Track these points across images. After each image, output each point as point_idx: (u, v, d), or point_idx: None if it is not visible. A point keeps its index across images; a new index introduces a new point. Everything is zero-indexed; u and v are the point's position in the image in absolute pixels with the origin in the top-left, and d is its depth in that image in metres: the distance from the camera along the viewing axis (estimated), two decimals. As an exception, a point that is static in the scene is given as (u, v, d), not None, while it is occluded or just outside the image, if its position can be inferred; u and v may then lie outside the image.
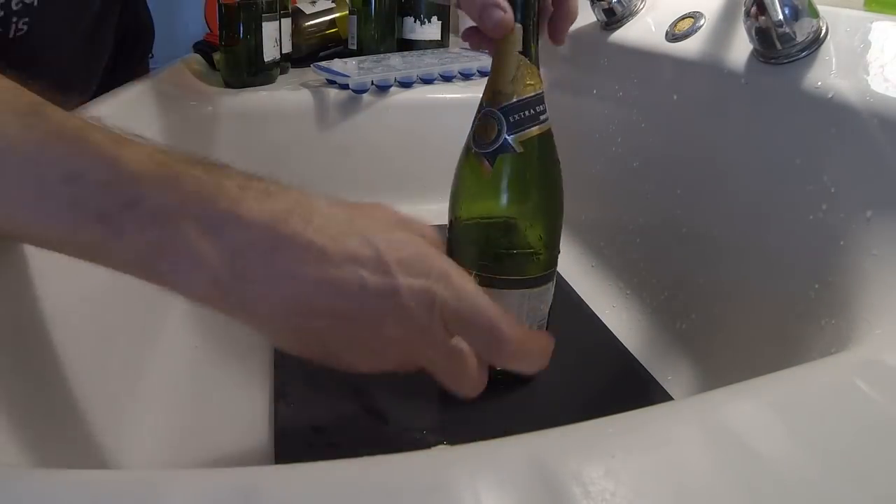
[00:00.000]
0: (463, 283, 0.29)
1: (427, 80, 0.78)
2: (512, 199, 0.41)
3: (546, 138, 0.40)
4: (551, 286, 0.43)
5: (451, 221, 0.44)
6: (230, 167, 0.28)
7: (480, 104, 0.41)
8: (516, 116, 0.39)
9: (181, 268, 0.25)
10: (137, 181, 0.25)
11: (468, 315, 0.28)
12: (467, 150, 0.42)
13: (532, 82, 0.39)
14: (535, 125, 0.39)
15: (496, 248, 0.41)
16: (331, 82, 0.75)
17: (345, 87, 0.73)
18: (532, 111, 0.39)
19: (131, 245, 0.25)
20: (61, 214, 0.24)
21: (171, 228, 0.25)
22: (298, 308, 0.27)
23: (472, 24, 0.41)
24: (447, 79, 0.79)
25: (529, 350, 0.31)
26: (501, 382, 0.43)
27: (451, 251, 0.43)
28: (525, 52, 0.38)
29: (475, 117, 0.41)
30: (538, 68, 0.39)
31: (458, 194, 0.43)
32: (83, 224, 0.24)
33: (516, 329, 0.29)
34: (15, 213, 0.25)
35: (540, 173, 0.41)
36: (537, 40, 0.40)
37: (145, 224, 0.25)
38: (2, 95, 0.25)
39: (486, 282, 0.41)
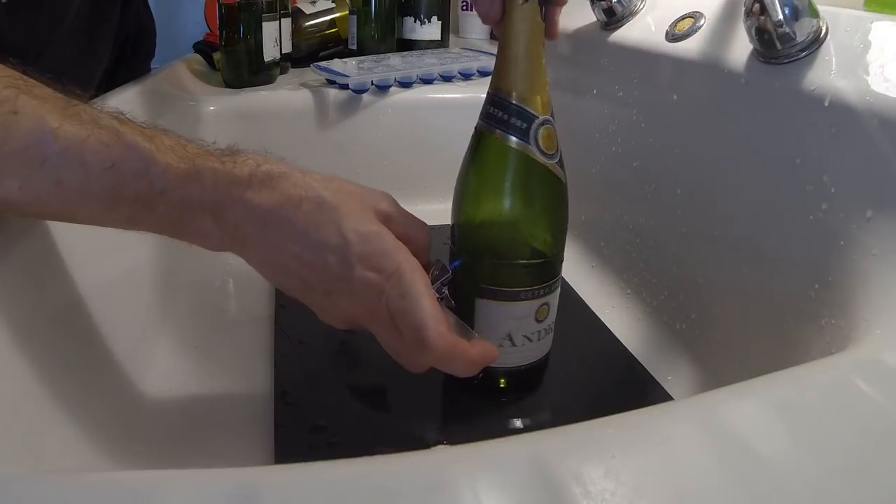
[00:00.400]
0: (411, 283, 0.33)
1: (427, 80, 0.78)
2: (553, 203, 0.40)
3: None
4: (558, 292, 0.43)
5: (462, 228, 0.41)
6: (242, 153, 0.33)
7: (527, 114, 0.37)
8: (554, 120, 0.39)
9: (196, 237, 0.33)
10: (166, 173, 0.30)
11: (404, 313, 0.33)
12: (517, 159, 0.38)
13: None
14: None
15: (518, 258, 0.40)
16: (330, 82, 0.75)
17: (344, 87, 0.73)
18: None
19: (158, 220, 0.31)
20: (102, 195, 0.29)
21: (190, 212, 0.31)
22: (278, 268, 0.34)
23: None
24: (447, 79, 0.79)
25: (448, 361, 0.34)
26: (506, 391, 0.43)
27: (458, 257, 0.41)
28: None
29: (514, 129, 0.37)
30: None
31: (484, 203, 0.40)
32: (120, 203, 0.30)
33: (443, 339, 0.33)
34: (58, 193, 0.29)
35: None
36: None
37: (171, 208, 0.31)
38: (40, 91, 0.29)
39: (489, 294, 0.40)
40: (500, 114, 0.38)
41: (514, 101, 0.37)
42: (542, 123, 0.37)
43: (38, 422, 0.30)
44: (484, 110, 0.39)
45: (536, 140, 0.37)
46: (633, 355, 0.49)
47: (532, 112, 0.37)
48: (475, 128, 0.40)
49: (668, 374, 0.47)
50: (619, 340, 0.51)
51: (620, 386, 0.47)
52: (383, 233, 0.34)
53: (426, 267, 0.37)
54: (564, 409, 0.43)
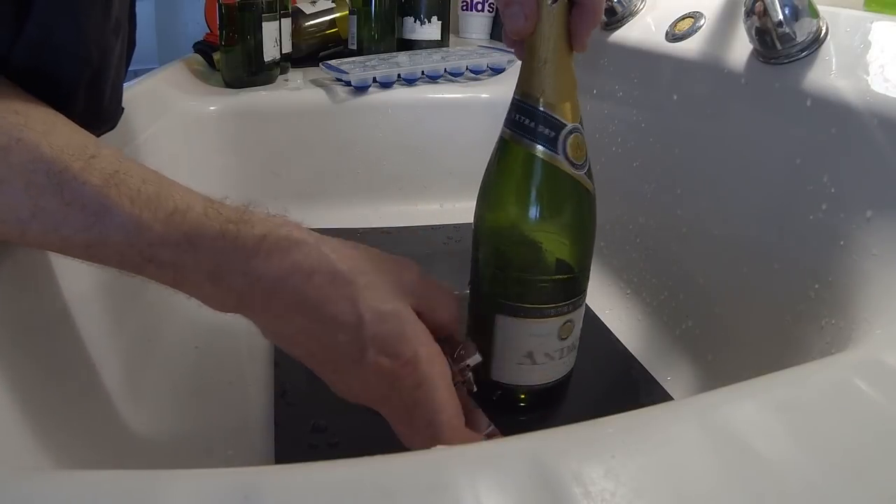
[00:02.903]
0: (427, 374, 0.31)
1: (433, 77, 0.78)
2: (581, 216, 0.38)
3: None
4: (583, 309, 0.41)
5: (484, 240, 0.40)
6: (250, 215, 0.30)
7: (555, 122, 0.35)
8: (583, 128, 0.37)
9: (195, 296, 0.30)
10: (154, 245, 0.28)
11: (417, 405, 0.31)
12: (544, 169, 0.36)
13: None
14: None
15: (543, 273, 0.38)
16: (336, 79, 0.75)
17: (347, 83, 0.74)
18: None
19: (151, 278, 0.29)
20: (88, 259, 0.29)
21: (183, 275, 0.29)
22: (284, 338, 0.32)
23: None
24: (456, 75, 0.79)
25: None
26: (526, 410, 0.42)
27: (478, 275, 0.40)
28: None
29: (541, 137, 0.36)
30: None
31: (508, 215, 0.39)
32: (107, 265, 0.29)
33: (456, 434, 0.31)
34: (45, 249, 0.30)
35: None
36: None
37: (163, 270, 0.29)
38: (19, 156, 0.27)
39: (510, 310, 0.38)
40: (526, 121, 0.36)
41: (540, 108, 0.35)
42: (571, 132, 0.35)
43: (38, 421, 0.30)
44: (509, 117, 0.37)
45: (565, 149, 0.35)
46: (633, 355, 0.49)
47: (560, 119, 0.35)
48: (500, 136, 0.38)
49: (668, 375, 0.47)
50: (619, 340, 0.51)
51: (620, 386, 0.47)
52: (403, 312, 0.31)
53: (454, 343, 0.35)
54: (564, 409, 0.43)
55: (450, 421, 0.31)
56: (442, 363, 0.32)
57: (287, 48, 0.81)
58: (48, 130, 0.29)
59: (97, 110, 0.35)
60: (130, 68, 0.45)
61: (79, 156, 0.28)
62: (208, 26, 0.85)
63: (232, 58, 0.73)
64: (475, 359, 0.36)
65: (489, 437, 0.34)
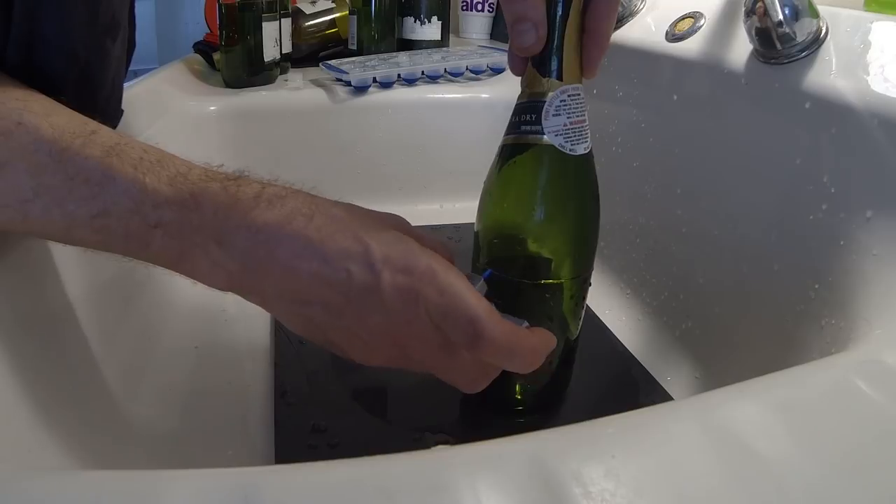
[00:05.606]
0: (448, 280, 0.30)
1: (433, 77, 0.78)
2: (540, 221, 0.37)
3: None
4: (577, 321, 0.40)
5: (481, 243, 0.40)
6: (247, 178, 0.31)
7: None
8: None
9: (200, 269, 0.30)
10: (159, 206, 0.29)
11: (448, 311, 0.29)
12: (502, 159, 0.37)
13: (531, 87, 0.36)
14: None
15: (524, 278, 0.37)
16: (336, 79, 0.75)
17: (347, 83, 0.74)
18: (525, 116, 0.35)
19: (157, 253, 0.29)
20: (92, 237, 0.29)
21: (191, 242, 0.29)
22: (295, 295, 0.30)
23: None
24: (456, 75, 0.79)
25: (513, 349, 0.30)
26: (523, 413, 0.42)
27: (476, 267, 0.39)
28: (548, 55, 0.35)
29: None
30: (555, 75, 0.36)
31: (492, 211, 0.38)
32: (112, 242, 0.29)
33: (500, 326, 0.29)
34: (47, 234, 0.30)
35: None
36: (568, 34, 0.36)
37: (168, 239, 0.29)
38: (20, 139, 0.28)
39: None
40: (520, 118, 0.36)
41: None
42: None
43: (38, 421, 0.30)
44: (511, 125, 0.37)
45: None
46: (633, 355, 0.49)
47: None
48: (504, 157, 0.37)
49: (668, 375, 0.47)
50: (619, 341, 0.51)
51: (620, 386, 0.47)
52: (405, 237, 0.31)
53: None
54: (564, 409, 0.43)
55: (489, 313, 0.29)
56: (459, 273, 0.30)
57: (287, 48, 0.81)
58: (48, 113, 0.29)
59: (90, 109, 0.36)
60: (130, 68, 0.45)
61: (79, 133, 0.29)
62: (208, 26, 0.86)
63: (232, 58, 0.73)
64: (482, 287, 0.35)
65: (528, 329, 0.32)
